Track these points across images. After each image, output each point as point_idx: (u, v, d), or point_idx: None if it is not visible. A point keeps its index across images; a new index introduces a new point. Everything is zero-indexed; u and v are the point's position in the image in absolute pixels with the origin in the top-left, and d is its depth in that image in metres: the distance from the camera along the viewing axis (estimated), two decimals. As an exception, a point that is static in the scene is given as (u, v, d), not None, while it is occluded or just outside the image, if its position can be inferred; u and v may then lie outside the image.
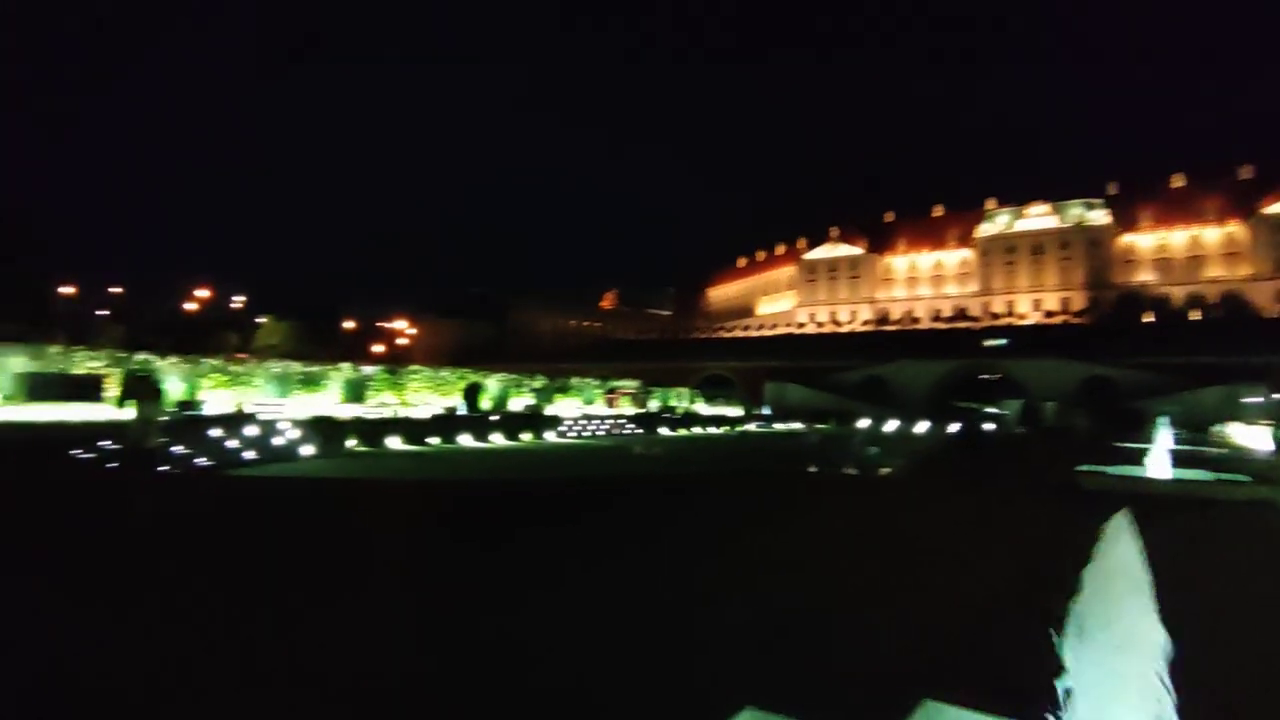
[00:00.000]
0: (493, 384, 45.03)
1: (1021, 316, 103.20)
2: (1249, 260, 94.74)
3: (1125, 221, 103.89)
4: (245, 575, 7.36)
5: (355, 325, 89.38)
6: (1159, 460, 16.21)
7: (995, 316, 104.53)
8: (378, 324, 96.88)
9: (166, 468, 16.00)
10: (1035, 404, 60.37)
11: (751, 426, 50.14)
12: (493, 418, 32.86)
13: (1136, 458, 18.23)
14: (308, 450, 20.99)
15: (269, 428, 21.89)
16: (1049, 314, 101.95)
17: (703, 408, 64.30)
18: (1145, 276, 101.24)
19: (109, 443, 17.32)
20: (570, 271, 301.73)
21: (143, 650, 5.06)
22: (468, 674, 4.70)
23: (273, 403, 32.52)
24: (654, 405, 57.22)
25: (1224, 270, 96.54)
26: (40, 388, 26.03)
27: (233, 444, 19.69)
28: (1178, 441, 23.42)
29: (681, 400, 65.11)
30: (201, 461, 17.55)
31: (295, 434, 21.73)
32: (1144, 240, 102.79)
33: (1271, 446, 28.79)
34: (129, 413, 18.90)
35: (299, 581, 7.11)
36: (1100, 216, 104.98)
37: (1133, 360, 64.52)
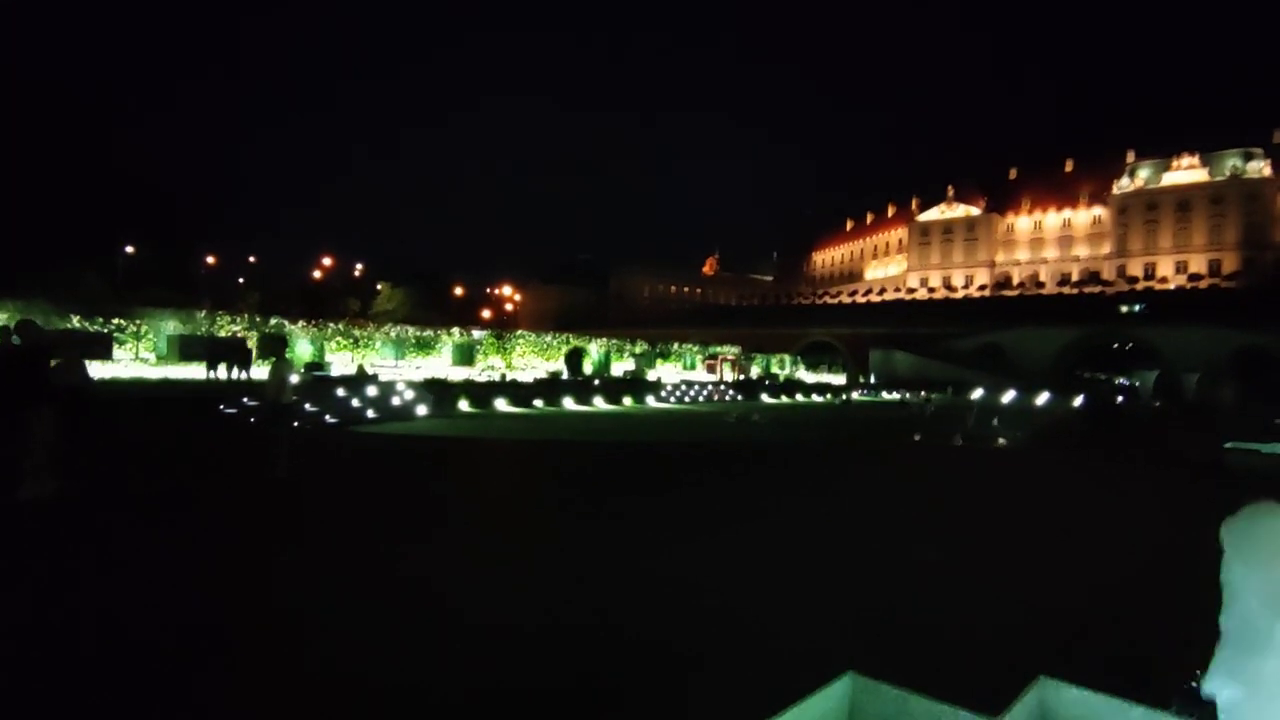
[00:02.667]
0: (595, 349, 45.82)
1: (1163, 280, 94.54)
2: None
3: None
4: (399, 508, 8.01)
5: (464, 291, 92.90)
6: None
7: (1131, 280, 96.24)
8: (486, 290, 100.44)
9: (297, 423, 17.29)
10: (1174, 375, 55.55)
11: (856, 395, 48.77)
12: (595, 382, 33.52)
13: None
14: (422, 410, 22.16)
15: (388, 388, 23.25)
16: (1194, 277, 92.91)
17: (806, 375, 63.12)
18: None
19: (248, 400, 18.89)
20: (672, 237, 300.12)
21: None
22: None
23: (389, 364, 34.48)
24: (755, 372, 56.65)
25: None
26: (189, 349, 28.61)
27: (356, 403, 21.06)
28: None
29: (784, 367, 64.13)
30: (329, 418, 18.89)
31: (410, 395, 22.99)
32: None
33: None
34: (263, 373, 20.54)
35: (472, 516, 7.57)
36: (1260, 168, 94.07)
37: (1296, 329, 57.93)
